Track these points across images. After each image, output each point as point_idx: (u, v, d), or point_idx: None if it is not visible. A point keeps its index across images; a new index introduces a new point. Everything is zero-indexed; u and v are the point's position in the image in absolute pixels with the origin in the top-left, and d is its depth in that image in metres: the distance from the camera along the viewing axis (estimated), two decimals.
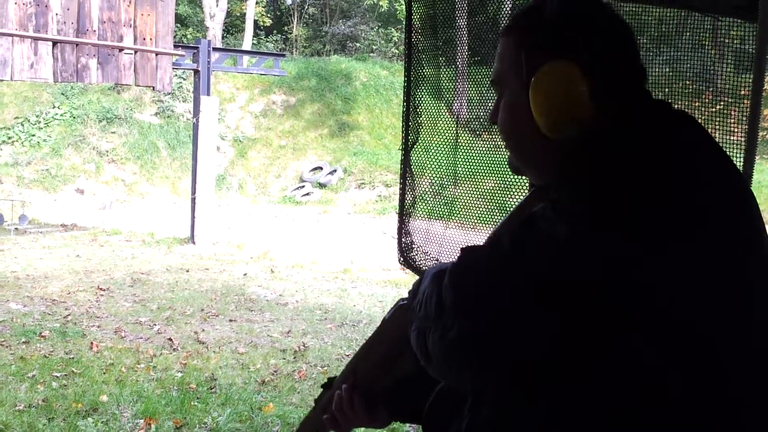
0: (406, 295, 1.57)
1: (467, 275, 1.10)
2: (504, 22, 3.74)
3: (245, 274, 10.99)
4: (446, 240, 3.30)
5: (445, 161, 3.50)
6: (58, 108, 21.24)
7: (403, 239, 3.53)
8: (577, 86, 1.14)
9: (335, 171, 21.64)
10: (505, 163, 1.36)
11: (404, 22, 3.83)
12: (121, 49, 11.58)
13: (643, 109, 1.19)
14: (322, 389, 1.62)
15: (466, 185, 3.42)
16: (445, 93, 3.73)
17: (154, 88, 12.58)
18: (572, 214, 1.04)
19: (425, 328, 1.14)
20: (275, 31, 32.85)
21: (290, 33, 33.68)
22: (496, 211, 3.16)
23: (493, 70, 1.29)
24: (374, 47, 30.68)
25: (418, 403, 1.48)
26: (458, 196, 3.49)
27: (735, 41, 2.77)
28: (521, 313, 1.03)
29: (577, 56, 1.15)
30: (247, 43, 29.02)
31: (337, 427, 1.57)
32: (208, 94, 13.95)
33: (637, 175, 1.05)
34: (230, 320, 8.05)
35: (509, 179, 2.86)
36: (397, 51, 29.00)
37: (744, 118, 2.56)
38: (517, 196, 2.53)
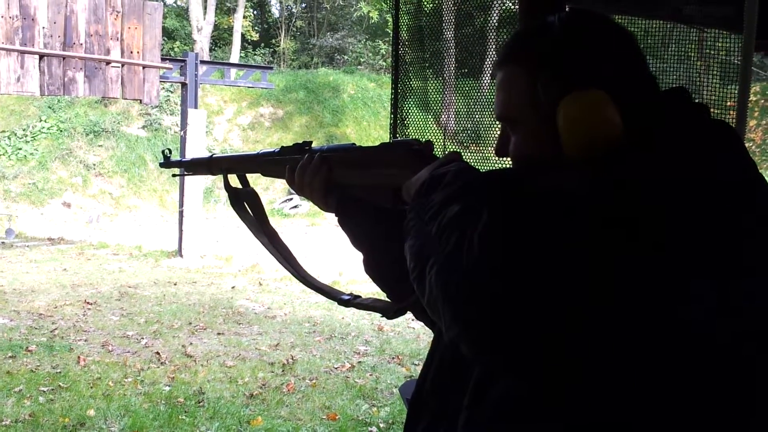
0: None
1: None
2: (491, 34, 3.76)
3: (233, 287, 10.95)
4: None
5: None
6: (45, 121, 21.17)
7: None
8: (607, 113, 1.08)
9: None
10: None
11: (391, 35, 3.84)
12: (108, 63, 11.56)
13: (670, 110, 1.13)
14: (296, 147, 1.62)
15: None
16: (433, 105, 3.74)
17: (141, 101, 12.56)
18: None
19: (430, 254, 1.07)
20: (263, 44, 32.86)
21: (278, 46, 33.70)
22: None
23: (499, 104, 1.22)
24: (362, 60, 30.74)
25: (369, 217, 1.51)
26: None
27: (721, 53, 2.79)
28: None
29: (596, 79, 1.10)
30: (235, 56, 29.04)
31: (290, 181, 1.60)
32: (196, 107, 13.94)
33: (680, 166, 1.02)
34: (218, 333, 8.01)
35: None
36: (384, 63, 29.06)
37: None
38: None
